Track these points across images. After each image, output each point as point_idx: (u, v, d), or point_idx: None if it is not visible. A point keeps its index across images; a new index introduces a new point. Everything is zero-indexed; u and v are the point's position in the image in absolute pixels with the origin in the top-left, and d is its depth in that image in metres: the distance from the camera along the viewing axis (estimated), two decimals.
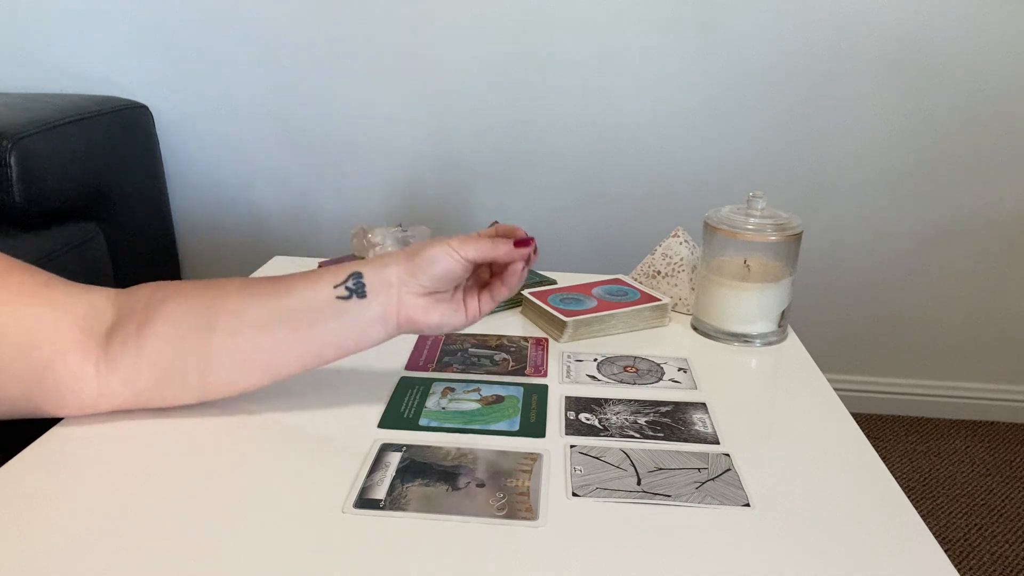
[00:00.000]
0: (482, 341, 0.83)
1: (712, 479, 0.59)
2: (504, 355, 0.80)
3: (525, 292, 0.91)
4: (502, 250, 0.62)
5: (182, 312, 0.59)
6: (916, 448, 1.62)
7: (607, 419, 0.67)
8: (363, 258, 1.00)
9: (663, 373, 0.77)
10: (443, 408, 0.68)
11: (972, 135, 1.55)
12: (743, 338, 0.85)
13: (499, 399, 0.70)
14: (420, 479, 0.57)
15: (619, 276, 0.98)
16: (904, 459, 1.58)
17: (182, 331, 0.58)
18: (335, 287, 0.59)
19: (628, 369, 0.77)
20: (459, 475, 0.58)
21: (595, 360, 0.79)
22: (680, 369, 0.78)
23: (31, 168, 1.19)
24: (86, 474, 0.57)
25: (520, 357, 0.79)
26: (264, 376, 0.61)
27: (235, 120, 1.63)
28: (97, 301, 0.60)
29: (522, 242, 0.63)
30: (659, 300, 0.89)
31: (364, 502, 0.54)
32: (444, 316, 0.63)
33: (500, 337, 0.85)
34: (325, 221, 1.70)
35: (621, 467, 0.60)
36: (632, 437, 0.64)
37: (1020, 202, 1.58)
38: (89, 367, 0.58)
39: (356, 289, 0.59)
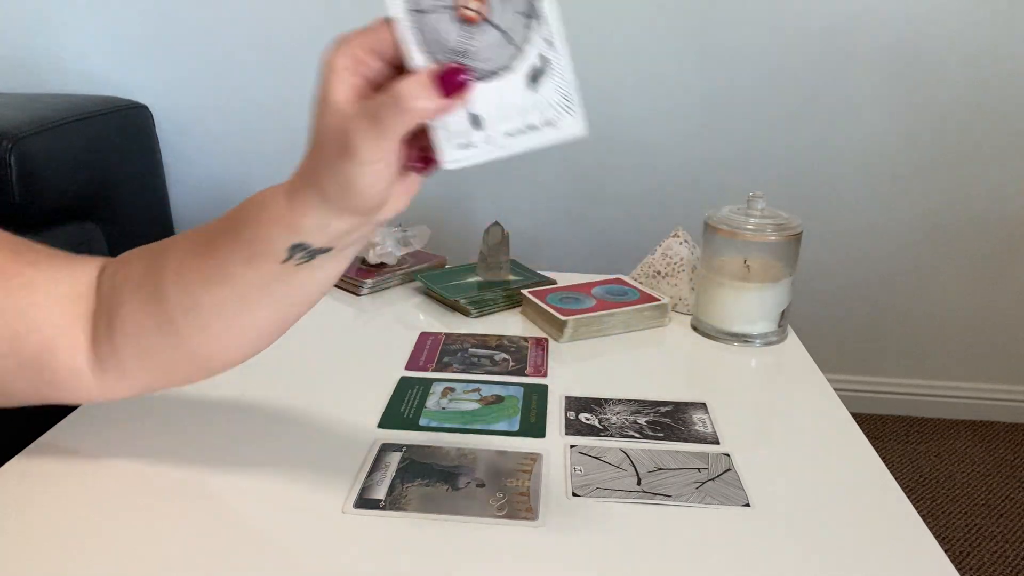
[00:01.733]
0: (482, 341, 0.83)
1: (712, 479, 0.59)
2: (504, 355, 0.80)
3: (525, 292, 0.91)
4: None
5: (137, 309, 0.49)
6: (916, 448, 1.62)
7: (607, 419, 0.67)
8: (364, 259, 1.00)
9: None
10: (443, 408, 0.68)
11: (971, 135, 1.55)
12: (743, 338, 0.85)
13: (499, 399, 0.70)
14: (420, 479, 0.57)
15: (619, 276, 0.98)
16: (904, 459, 1.58)
17: (145, 333, 0.49)
18: (283, 263, 0.45)
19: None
20: (459, 475, 0.58)
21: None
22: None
23: (31, 168, 1.19)
24: (84, 475, 0.57)
25: (520, 357, 0.79)
26: (260, 343, 0.51)
27: (235, 120, 1.63)
28: (80, 279, 0.52)
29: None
30: (659, 300, 0.89)
31: (364, 502, 0.54)
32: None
33: (500, 337, 0.85)
34: None
35: (621, 467, 0.60)
36: (632, 437, 0.64)
37: (1020, 202, 1.58)
38: (81, 361, 0.51)
39: (310, 256, 0.45)
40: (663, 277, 0.94)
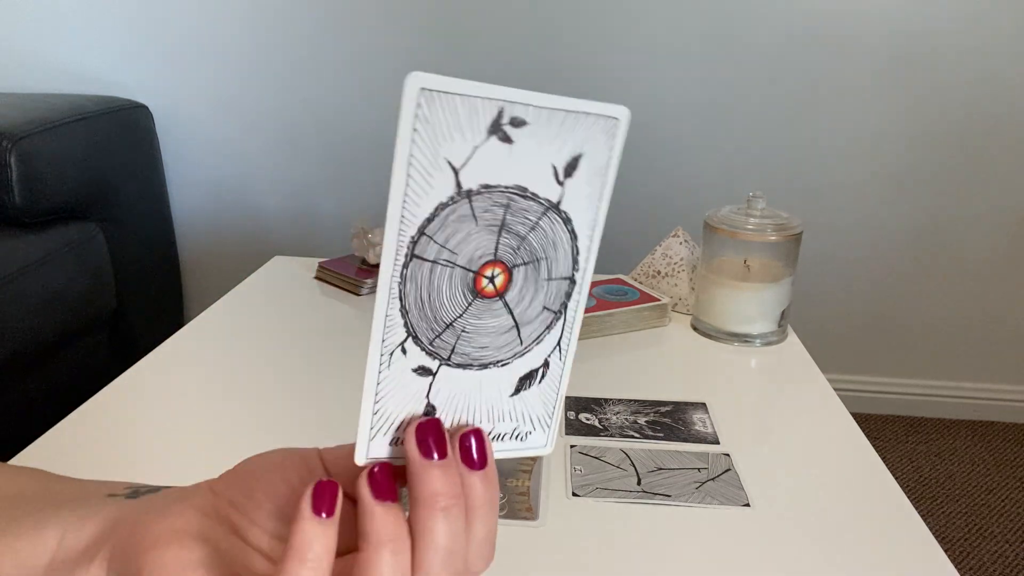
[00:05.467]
0: None
1: (712, 479, 0.59)
2: None
3: None
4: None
5: None
6: (916, 448, 1.62)
7: (607, 419, 0.67)
8: (364, 259, 1.00)
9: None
10: None
11: (971, 135, 1.55)
12: (743, 338, 0.85)
13: None
14: None
15: (619, 276, 0.98)
16: (904, 459, 1.58)
17: None
18: None
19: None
20: None
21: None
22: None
23: (31, 168, 1.19)
24: (81, 475, 0.57)
25: None
26: None
27: (235, 120, 1.63)
28: None
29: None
30: (659, 300, 0.89)
31: None
32: None
33: None
34: (325, 221, 1.70)
35: (621, 467, 0.60)
36: (632, 437, 0.64)
37: (1020, 202, 1.58)
38: None
39: None
40: (663, 277, 0.94)
